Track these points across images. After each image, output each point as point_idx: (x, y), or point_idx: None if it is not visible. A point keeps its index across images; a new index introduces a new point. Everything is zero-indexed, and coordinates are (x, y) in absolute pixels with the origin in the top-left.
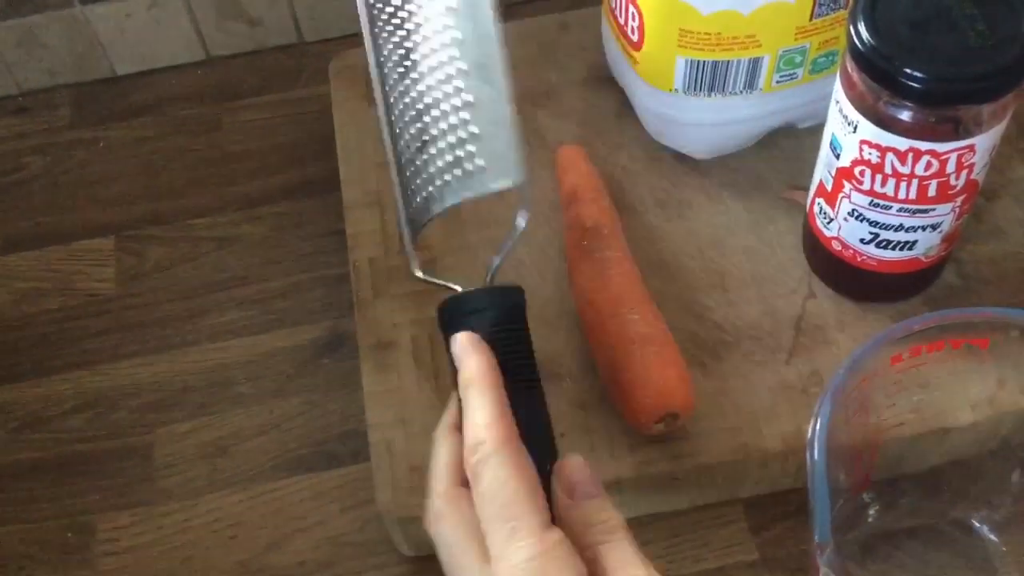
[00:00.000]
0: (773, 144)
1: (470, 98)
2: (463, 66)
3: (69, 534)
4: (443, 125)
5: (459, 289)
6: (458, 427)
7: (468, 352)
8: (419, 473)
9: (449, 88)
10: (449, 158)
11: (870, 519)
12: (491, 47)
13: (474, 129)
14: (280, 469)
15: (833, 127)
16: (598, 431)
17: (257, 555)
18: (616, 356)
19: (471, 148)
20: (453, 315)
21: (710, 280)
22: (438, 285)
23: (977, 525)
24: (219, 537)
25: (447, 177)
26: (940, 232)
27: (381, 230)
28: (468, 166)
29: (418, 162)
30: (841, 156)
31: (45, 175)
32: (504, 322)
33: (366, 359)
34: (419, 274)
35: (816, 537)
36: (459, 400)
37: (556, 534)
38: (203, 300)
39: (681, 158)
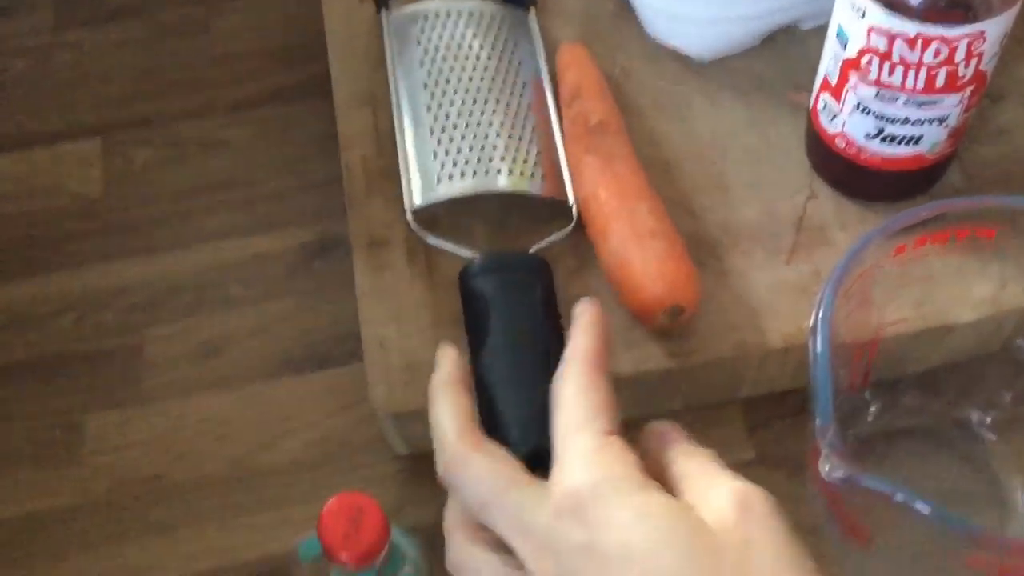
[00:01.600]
0: (776, 45)
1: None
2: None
3: (57, 432)
4: (483, 119)
5: (469, 254)
6: (458, 381)
7: (445, 355)
8: (412, 370)
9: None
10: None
11: (870, 418)
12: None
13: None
14: (271, 370)
15: (840, 17)
16: None
17: (249, 454)
18: (625, 249)
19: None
20: (469, 279)
21: (710, 182)
22: (448, 251)
23: (977, 426)
24: (210, 436)
25: (472, 166)
26: (946, 126)
27: (373, 129)
28: (510, 165)
29: (452, 138)
30: (848, 46)
31: (28, 78)
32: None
33: (359, 257)
34: (430, 240)
35: (818, 420)
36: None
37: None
38: (191, 203)
39: (681, 59)
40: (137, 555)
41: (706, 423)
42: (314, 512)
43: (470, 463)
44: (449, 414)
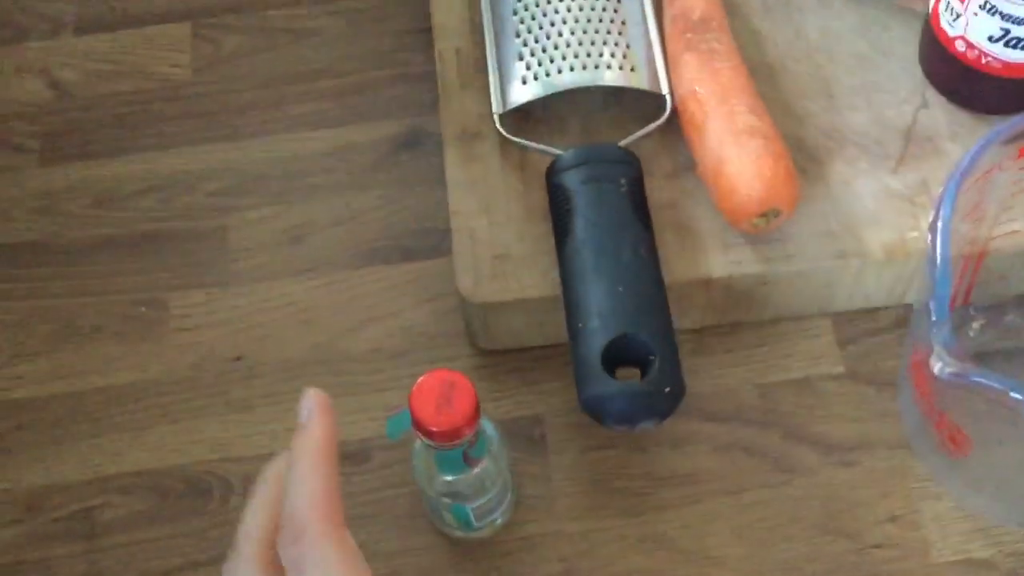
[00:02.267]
0: None
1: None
2: None
3: (143, 308)
4: (569, 16)
5: (558, 152)
6: (329, 450)
7: (313, 416)
8: (501, 261)
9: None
10: (579, 47)
11: (971, 333)
12: None
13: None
14: (355, 259)
15: None
16: (690, 230)
17: (331, 340)
18: (722, 148)
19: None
20: (556, 173)
21: (816, 86)
22: (533, 149)
23: None
24: (293, 321)
25: (569, 62)
26: None
27: (468, 20)
28: (596, 60)
29: (537, 38)
30: None
31: None
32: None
33: (451, 149)
34: (517, 140)
35: (933, 316)
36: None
37: None
38: (279, 91)
39: None
40: (217, 430)
41: (796, 335)
42: (392, 400)
43: (328, 545)
44: (256, 517)
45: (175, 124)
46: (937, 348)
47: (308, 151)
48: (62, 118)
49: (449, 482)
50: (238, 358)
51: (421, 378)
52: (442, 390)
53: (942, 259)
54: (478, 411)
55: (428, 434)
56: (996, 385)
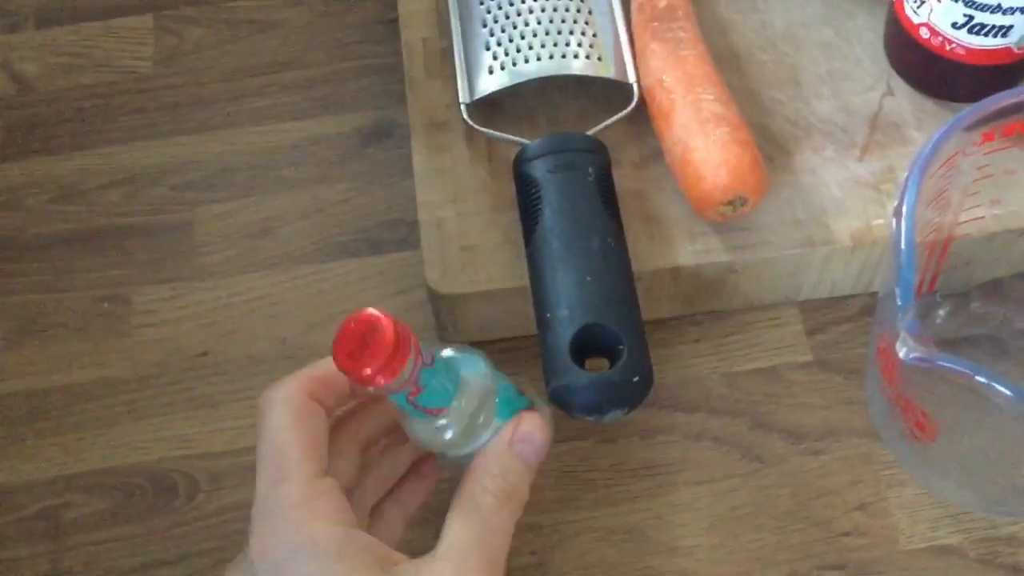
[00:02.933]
0: None
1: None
2: None
3: (105, 304)
4: (535, 5)
5: (525, 141)
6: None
7: None
8: (469, 252)
9: None
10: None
11: (937, 320)
12: None
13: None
14: (323, 253)
15: None
16: (657, 219)
17: (299, 334)
18: (689, 136)
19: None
20: (523, 163)
21: (782, 74)
22: (500, 139)
23: None
24: (260, 315)
25: (536, 51)
26: None
27: (435, 10)
28: (563, 49)
29: (504, 27)
30: None
31: None
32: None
33: (418, 139)
34: (484, 131)
35: (898, 300)
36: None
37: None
38: (244, 83)
39: None
40: (184, 427)
41: (764, 324)
42: None
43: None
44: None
45: (138, 117)
46: (903, 333)
47: (274, 144)
48: (23, 112)
49: (419, 438)
50: (203, 354)
51: (343, 322)
52: (360, 332)
53: (907, 244)
54: (402, 355)
55: (357, 382)
56: (962, 369)
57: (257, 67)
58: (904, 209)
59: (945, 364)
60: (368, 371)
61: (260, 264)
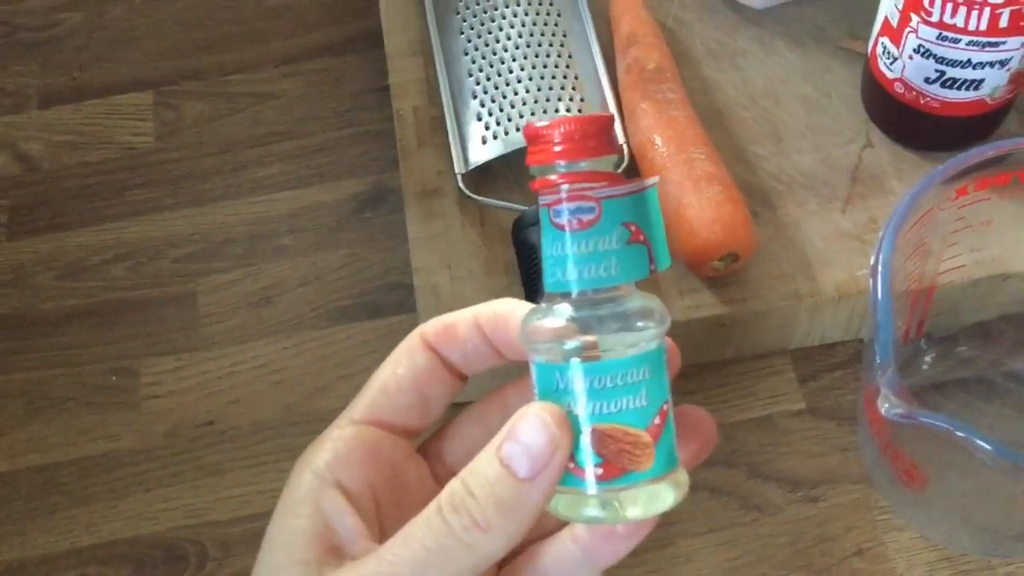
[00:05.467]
0: None
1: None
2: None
3: (114, 378)
4: (523, 75)
5: (519, 207)
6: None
7: None
8: None
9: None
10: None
11: (924, 367)
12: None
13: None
14: (323, 319)
15: None
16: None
17: (303, 399)
18: (682, 194)
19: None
20: (520, 231)
21: (764, 130)
22: (496, 206)
23: None
24: (264, 382)
25: (527, 119)
26: (1008, 70)
27: (424, 79)
28: (553, 115)
29: (494, 98)
30: None
31: (81, 31)
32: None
33: (411, 206)
34: (479, 200)
35: (877, 358)
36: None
37: None
38: (243, 155)
39: (735, 7)
40: (192, 496)
41: (757, 374)
42: None
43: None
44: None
45: (140, 192)
46: (884, 391)
47: (273, 213)
48: (29, 191)
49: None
50: (210, 423)
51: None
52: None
53: (883, 303)
54: (608, 143)
55: (535, 151)
56: (942, 425)
57: (254, 138)
58: (879, 268)
59: (926, 421)
60: (563, 128)
61: (263, 332)
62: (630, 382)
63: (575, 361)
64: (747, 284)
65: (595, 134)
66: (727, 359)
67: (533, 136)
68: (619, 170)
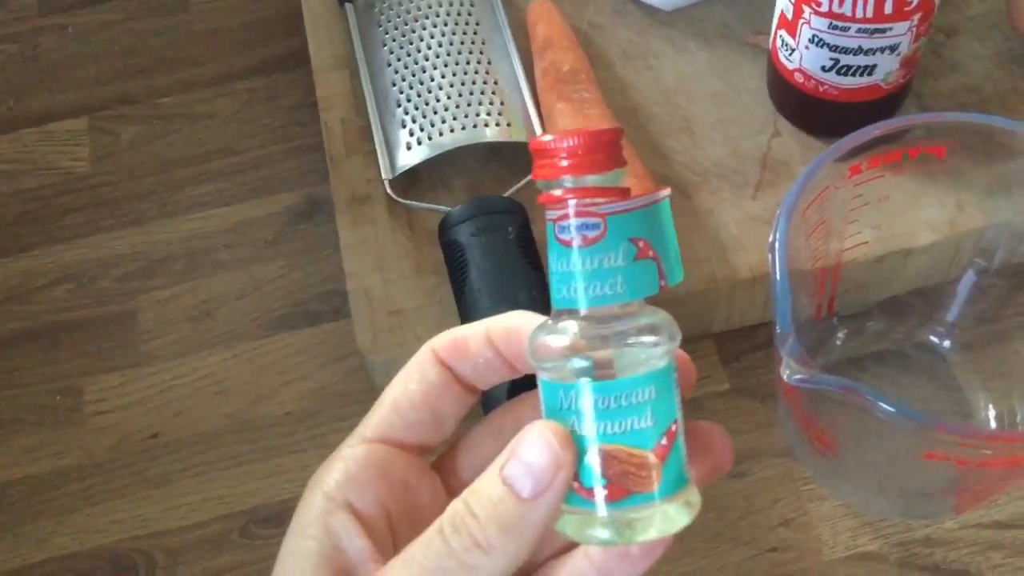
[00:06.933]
0: None
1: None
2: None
3: (58, 397)
4: (444, 82)
5: (446, 209)
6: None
7: None
8: (396, 316)
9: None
10: (457, 110)
11: (838, 342)
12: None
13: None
14: (263, 329)
15: None
16: None
17: (244, 408)
18: None
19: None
20: (447, 229)
21: (677, 125)
22: (423, 209)
23: (940, 346)
24: (206, 393)
25: (449, 124)
26: (898, 54)
27: (351, 91)
28: (474, 119)
29: (417, 105)
30: None
31: (15, 62)
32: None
33: (342, 213)
34: (407, 203)
35: (777, 328)
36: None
37: None
38: (178, 174)
39: (647, 10)
40: (138, 508)
41: None
42: (310, 461)
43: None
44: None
45: (78, 215)
46: (785, 358)
47: (210, 229)
48: None
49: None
50: (154, 435)
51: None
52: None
53: (780, 275)
54: (614, 158)
55: (541, 165)
56: (840, 387)
57: (189, 158)
58: (776, 244)
59: (825, 385)
60: (569, 142)
61: (203, 345)
62: (635, 402)
63: (579, 380)
64: None
65: (602, 148)
66: None
67: (539, 150)
68: None
